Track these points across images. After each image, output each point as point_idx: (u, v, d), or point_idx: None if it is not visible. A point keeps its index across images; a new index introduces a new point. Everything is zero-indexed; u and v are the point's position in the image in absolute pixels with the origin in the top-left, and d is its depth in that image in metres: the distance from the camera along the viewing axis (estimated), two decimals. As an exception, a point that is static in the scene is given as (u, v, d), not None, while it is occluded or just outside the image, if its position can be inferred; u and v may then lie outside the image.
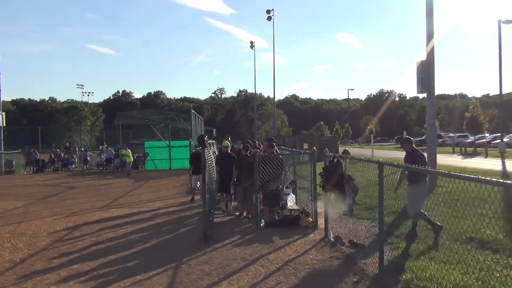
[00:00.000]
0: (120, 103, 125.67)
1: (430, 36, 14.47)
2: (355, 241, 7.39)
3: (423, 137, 66.77)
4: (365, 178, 7.48)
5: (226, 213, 11.08)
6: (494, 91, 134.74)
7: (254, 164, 9.26)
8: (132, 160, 26.49)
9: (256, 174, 9.21)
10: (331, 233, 8.09)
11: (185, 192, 15.54)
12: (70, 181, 21.30)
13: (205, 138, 7.91)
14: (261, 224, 9.25)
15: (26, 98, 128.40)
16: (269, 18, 54.33)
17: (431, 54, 14.41)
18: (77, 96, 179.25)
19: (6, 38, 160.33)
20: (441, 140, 55.74)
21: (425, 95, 14.97)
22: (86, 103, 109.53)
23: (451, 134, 57.02)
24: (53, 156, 29.25)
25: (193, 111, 15.99)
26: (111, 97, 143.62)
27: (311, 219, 9.31)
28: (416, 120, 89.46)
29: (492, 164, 24.53)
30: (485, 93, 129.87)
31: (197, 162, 13.40)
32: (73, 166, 29.21)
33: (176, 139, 28.81)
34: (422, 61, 14.48)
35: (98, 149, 33.53)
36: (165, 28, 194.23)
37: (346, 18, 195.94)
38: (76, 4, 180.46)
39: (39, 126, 32.31)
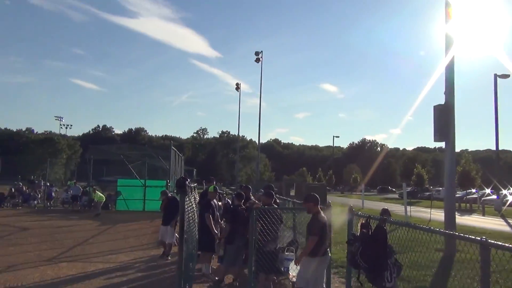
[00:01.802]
0: (99, 138, 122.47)
1: (450, 76, 12.71)
2: None
3: (408, 189, 65.51)
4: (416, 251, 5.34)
5: (205, 277, 8.64)
6: (471, 146, 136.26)
7: (250, 219, 6.98)
8: (104, 199, 23.70)
9: (252, 232, 6.91)
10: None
11: (157, 242, 12.97)
12: (26, 220, 18.48)
13: (187, 182, 5.66)
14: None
15: (2, 128, 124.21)
16: (257, 60, 53.30)
17: (451, 97, 12.60)
18: (55, 129, 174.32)
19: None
20: (428, 193, 54.25)
21: (442, 144, 13.08)
22: (63, 136, 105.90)
23: (439, 188, 55.49)
24: (13, 190, 26.28)
25: (173, 148, 13.73)
26: (91, 131, 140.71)
27: (322, 297, 6.98)
28: (400, 171, 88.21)
29: (495, 223, 22.62)
30: (464, 148, 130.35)
31: (170, 210, 10.98)
32: (35, 202, 26.25)
33: (155, 179, 26.21)
34: (441, 105, 12.65)
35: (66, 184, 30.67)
36: (151, 68, 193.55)
37: (330, 68, 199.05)
38: (63, 39, 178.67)
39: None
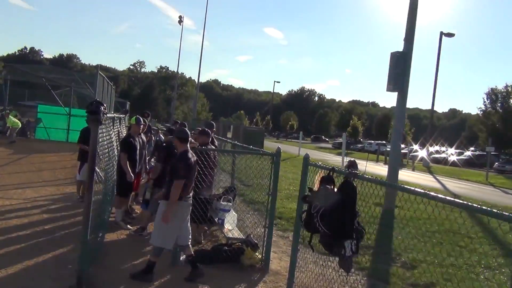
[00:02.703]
0: (26, 60, 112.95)
1: (411, 22, 11.79)
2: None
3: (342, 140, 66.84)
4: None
5: (117, 225, 7.32)
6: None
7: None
8: (20, 126, 21.18)
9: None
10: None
11: (75, 178, 11.39)
12: None
13: (102, 108, 4.27)
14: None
15: None
16: (203, -9, 50.64)
17: (410, 44, 11.73)
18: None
19: None
20: (360, 145, 55.57)
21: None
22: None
23: (371, 141, 56.98)
24: None
25: (101, 73, 11.86)
26: (17, 53, 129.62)
27: (260, 255, 6.04)
28: (336, 122, 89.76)
29: (426, 179, 23.09)
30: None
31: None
32: None
33: (84, 108, 23.76)
34: (399, 52, 11.74)
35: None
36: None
37: (276, 13, 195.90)
38: None
39: None
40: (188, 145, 5.37)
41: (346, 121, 67.44)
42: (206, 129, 7.02)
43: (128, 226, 7.29)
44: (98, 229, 5.78)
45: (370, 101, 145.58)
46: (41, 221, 7.15)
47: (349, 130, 59.21)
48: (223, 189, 7.66)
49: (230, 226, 6.47)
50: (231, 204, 6.79)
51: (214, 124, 8.04)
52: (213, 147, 6.98)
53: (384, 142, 52.95)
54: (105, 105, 4.33)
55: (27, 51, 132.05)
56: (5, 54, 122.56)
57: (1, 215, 7.24)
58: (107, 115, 5.04)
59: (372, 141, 55.54)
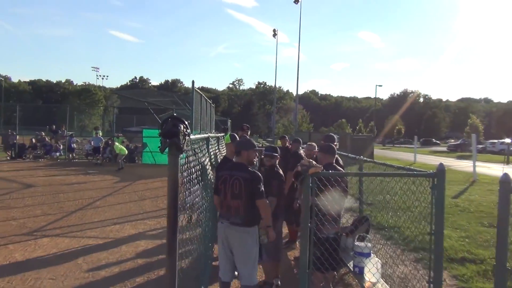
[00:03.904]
0: (136, 90, 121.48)
1: None
2: None
3: (458, 141, 60.63)
4: None
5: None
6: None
7: (303, 189, 4.06)
8: (126, 152, 21.17)
9: (307, 211, 4.00)
10: None
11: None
12: (37, 175, 16.34)
13: (183, 128, 2.78)
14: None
15: (44, 79, 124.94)
16: (296, 1, 49.81)
17: None
18: (93, 80, 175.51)
19: (28, 21, 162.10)
20: (481, 146, 49.83)
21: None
22: (101, 88, 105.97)
23: (494, 140, 50.94)
24: (34, 141, 24.40)
25: (196, 89, 10.78)
26: (128, 83, 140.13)
27: (424, 324, 4.14)
28: (449, 123, 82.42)
29: None
30: (511, 99, 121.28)
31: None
32: (57, 153, 24.35)
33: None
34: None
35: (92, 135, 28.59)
36: (187, 18, 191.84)
37: (368, 16, 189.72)
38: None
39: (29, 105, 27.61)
40: (239, 157, 4.52)
41: (460, 121, 61.34)
42: (332, 145, 5.22)
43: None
44: (195, 283, 4.35)
45: (482, 97, 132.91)
46: (133, 271, 5.89)
47: (467, 130, 53.56)
48: (353, 222, 5.87)
49: (374, 278, 4.62)
50: (370, 245, 4.93)
51: (335, 136, 6.13)
52: (341, 169, 5.19)
53: (510, 140, 46.98)
54: (186, 122, 2.81)
55: (137, 81, 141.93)
56: (118, 86, 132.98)
57: (91, 263, 6.15)
58: (191, 136, 3.56)
59: (496, 141, 49.55)
